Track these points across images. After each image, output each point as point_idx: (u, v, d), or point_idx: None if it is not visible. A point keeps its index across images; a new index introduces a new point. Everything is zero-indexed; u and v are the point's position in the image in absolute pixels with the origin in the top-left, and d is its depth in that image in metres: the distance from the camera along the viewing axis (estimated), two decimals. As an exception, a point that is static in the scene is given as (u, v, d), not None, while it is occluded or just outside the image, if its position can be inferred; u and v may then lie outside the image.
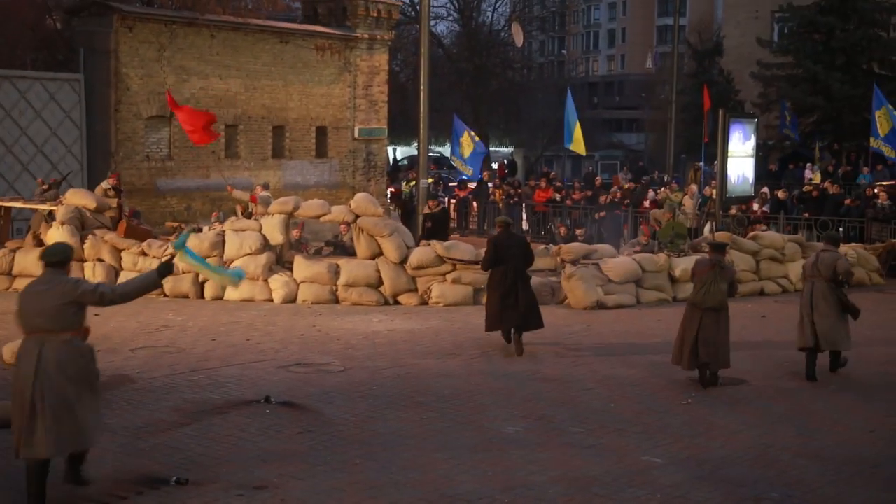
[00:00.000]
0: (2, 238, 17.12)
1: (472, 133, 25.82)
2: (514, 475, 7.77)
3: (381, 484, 7.46)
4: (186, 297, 16.20)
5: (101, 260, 16.35)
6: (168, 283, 16.27)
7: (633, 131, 69.84)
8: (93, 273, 16.20)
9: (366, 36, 27.52)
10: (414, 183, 23.43)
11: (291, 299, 16.11)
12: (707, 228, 20.62)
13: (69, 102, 22.00)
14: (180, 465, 7.70)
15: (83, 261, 16.42)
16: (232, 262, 16.26)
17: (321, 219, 17.30)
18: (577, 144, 25.80)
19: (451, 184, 30.38)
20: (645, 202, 24.24)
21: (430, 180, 26.13)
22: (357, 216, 16.58)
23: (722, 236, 18.52)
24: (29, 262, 16.37)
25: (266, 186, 18.90)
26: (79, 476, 7.13)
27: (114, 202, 17.11)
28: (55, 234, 16.38)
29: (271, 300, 16.10)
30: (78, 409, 6.77)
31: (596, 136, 61.61)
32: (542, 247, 18.35)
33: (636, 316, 15.54)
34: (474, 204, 27.59)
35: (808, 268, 11.78)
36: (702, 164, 28.73)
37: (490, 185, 27.69)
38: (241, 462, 7.87)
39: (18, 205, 17.92)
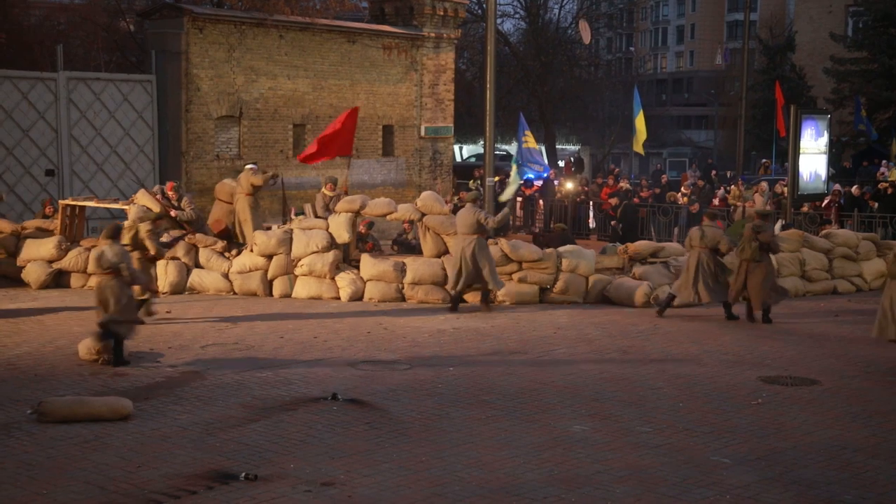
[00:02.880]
0: (77, 236, 17.47)
1: (530, 135, 26.20)
2: (580, 474, 7.73)
3: (447, 481, 7.47)
4: (255, 294, 16.39)
5: (175, 258, 16.59)
6: (237, 281, 16.49)
7: (702, 128, 69.02)
8: (165, 271, 16.46)
9: (432, 35, 27.57)
10: (480, 181, 23.42)
11: (358, 297, 16.21)
12: (778, 227, 20.28)
13: (141, 103, 22.40)
14: (249, 461, 7.80)
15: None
16: (299, 260, 16.43)
17: (387, 217, 17.38)
18: (637, 143, 25.68)
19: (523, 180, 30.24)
20: (715, 200, 23.93)
21: (497, 179, 26.10)
22: (423, 214, 16.62)
23: (793, 234, 18.22)
24: (103, 261, 16.68)
25: (333, 181, 19.03)
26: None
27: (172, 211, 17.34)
28: (126, 233, 16.66)
29: (338, 298, 16.21)
30: None
31: (664, 133, 61.06)
32: (610, 244, 18.23)
33: (703, 314, 15.33)
34: (540, 202, 27.48)
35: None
36: (771, 161, 28.28)
37: (556, 183, 27.57)
38: (308, 458, 7.94)
39: (92, 204, 18.27)
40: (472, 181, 29.35)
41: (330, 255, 16.38)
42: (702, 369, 11.46)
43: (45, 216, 18.25)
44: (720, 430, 9.02)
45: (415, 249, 17.62)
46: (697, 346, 12.85)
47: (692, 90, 77.34)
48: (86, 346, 11.30)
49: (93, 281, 16.66)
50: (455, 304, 15.36)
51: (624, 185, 26.37)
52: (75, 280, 16.85)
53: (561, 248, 16.67)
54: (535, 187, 28.01)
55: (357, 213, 17.05)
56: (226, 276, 16.58)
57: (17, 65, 21.44)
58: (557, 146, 45.84)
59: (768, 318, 14.58)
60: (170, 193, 17.18)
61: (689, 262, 14.94)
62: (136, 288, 12.40)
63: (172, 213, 16.68)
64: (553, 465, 7.91)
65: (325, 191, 18.27)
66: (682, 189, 24.96)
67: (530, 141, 25.90)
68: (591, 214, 25.92)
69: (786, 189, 22.87)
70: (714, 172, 31.58)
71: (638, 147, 25.89)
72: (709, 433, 8.90)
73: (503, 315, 14.94)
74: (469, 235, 15.05)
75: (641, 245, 17.51)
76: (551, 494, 7.25)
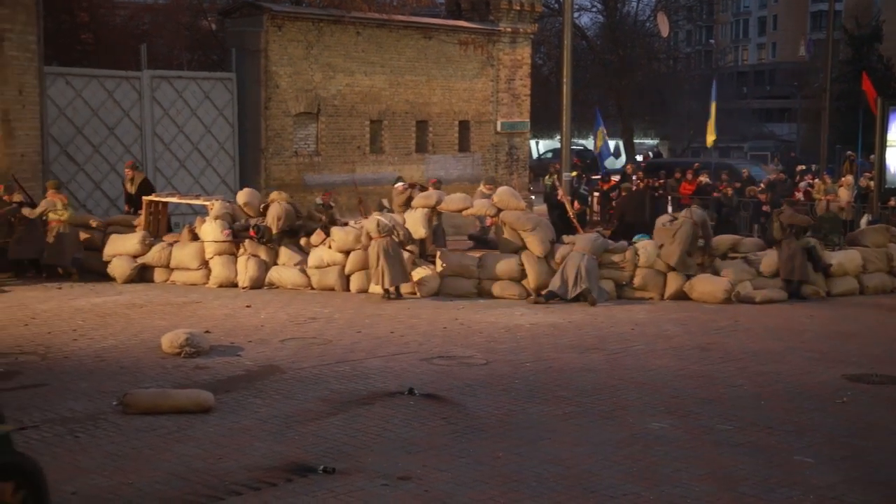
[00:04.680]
0: (160, 232, 17.81)
1: (604, 131, 26.55)
2: (658, 472, 7.64)
3: (524, 477, 7.45)
4: (332, 289, 16.54)
5: (255, 255, 16.82)
6: (315, 277, 16.65)
7: (785, 121, 67.67)
8: (245, 267, 16.71)
9: (508, 30, 27.50)
10: (556, 176, 23.29)
11: (435, 292, 16.24)
12: (864, 221, 19.81)
13: (222, 101, 22.77)
14: (327, 454, 7.87)
15: (234, 254, 16.93)
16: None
17: (463, 213, 17.39)
18: (708, 137, 25.45)
19: (594, 176, 30.05)
20: (797, 193, 23.45)
21: (574, 174, 25.96)
22: (500, 210, 16.58)
23: (878, 229, 17.77)
24: (185, 256, 17.02)
25: (400, 180, 19.15)
26: None
27: (323, 217, 17.69)
28: (208, 229, 16.98)
29: (415, 293, 16.26)
30: None
31: (745, 126, 59.96)
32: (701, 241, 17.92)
33: (786, 311, 15.06)
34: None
35: None
36: (856, 154, 27.61)
37: (634, 177, 27.29)
38: (385, 452, 7.98)
39: (175, 200, 18.63)
40: (547, 176, 29.27)
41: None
42: (784, 367, 11.24)
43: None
44: (803, 428, 8.84)
45: (490, 245, 17.60)
46: (780, 342, 12.61)
47: (774, 83, 75.90)
48: (169, 340, 11.53)
49: (175, 277, 17.02)
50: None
51: (703, 179, 25.98)
52: (158, 274, 17.19)
53: (638, 244, 16.50)
54: (612, 181, 27.78)
55: (433, 209, 17.10)
56: (304, 271, 16.76)
57: (103, 64, 21.95)
58: (635, 140, 45.37)
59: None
60: (325, 199, 17.96)
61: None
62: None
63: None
64: (631, 463, 7.83)
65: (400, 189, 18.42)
66: (762, 184, 24.51)
67: (601, 137, 26.02)
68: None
69: (872, 183, 22.30)
70: (799, 167, 30.95)
71: (709, 141, 25.58)
72: (791, 432, 8.73)
73: (580, 311, 14.84)
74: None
75: (721, 240, 17.23)
76: (629, 492, 7.18)
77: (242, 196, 17.70)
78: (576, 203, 19.36)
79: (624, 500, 7.05)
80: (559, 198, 19.68)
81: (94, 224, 17.76)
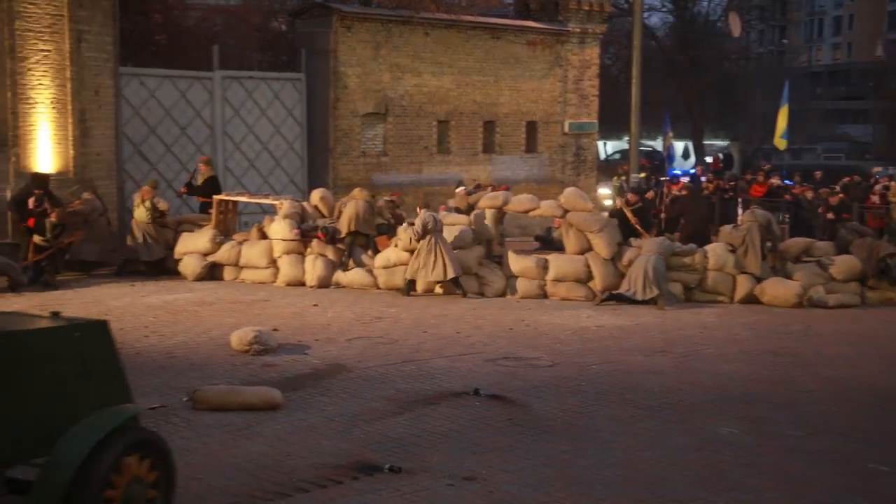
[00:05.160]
0: (229, 231, 18.04)
1: (670, 135, 26.47)
2: (728, 478, 7.53)
3: (590, 480, 7.39)
4: (399, 289, 16.58)
5: (323, 255, 16.96)
6: (382, 277, 16.71)
7: (860, 122, 66.26)
8: (313, 266, 16.85)
9: (577, 30, 27.35)
10: (625, 177, 23.12)
11: (501, 293, 16.21)
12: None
13: (292, 101, 22.99)
14: (393, 453, 7.89)
15: (301, 253, 17.08)
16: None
17: (530, 213, 17.33)
18: (777, 137, 25.07)
19: (662, 178, 29.75)
20: (873, 196, 22.94)
21: (642, 175, 25.75)
22: (566, 211, 16.49)
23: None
24: (254, 255, 17.21)
25: (461, 184, 19.16)
26: None
27: (391, 217, 17.96)
28: (277, 228, 17.15)
29: (481, 294, 16.25)
30: None
31: (818, 128, 58.88)
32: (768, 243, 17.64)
33: (860, 316, 14.75)
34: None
35: None
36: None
37: (703, 179, 26.96)
38: (450, 452, 7.98)
39: (244, 199, 18.85)
40: (615, 177, 29.06)
41: (473, 252, 16.44)
42: (857, 372, 11.01)
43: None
44: (877, 435, 8.65)
45: (556, 246, 17.50)
46: (852, 347, 12.35)
47: (849, 83, 74.38)
48: (238, 337, 11.66)
49: (244, 275, 17.21)
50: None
51: (775, 181, 25.55)
52: (228, 273, 17.41)
53: (708, 246, 16.29)
54: (680, 184, 27.46)
55: (500, 210, 17.06)
56: (370, 271, 16.84)
57: (175, 65, 22.29)
58: (705, 142, 44.81)
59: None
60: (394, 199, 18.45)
61: None
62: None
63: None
64: (699, 468, 7.73)
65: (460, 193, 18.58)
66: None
67: (669, 140, 25.84)
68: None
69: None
70: (876, 169, 30.29)
71: (777, 141, 25.18)
72: (865, 439, 8.54)
73: (648, 313, 14.70)
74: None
75: (793, 243, 16.94)
76: (697, 497, 7.09)
77: (316, 195, 17.89)
78: (630, 196, 19.13)
79: (692, 506, 6.97)
80: (619, 205, 19.50)
81: (167, 223, 18.06)
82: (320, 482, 7.21)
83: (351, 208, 16.85)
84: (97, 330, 6.25)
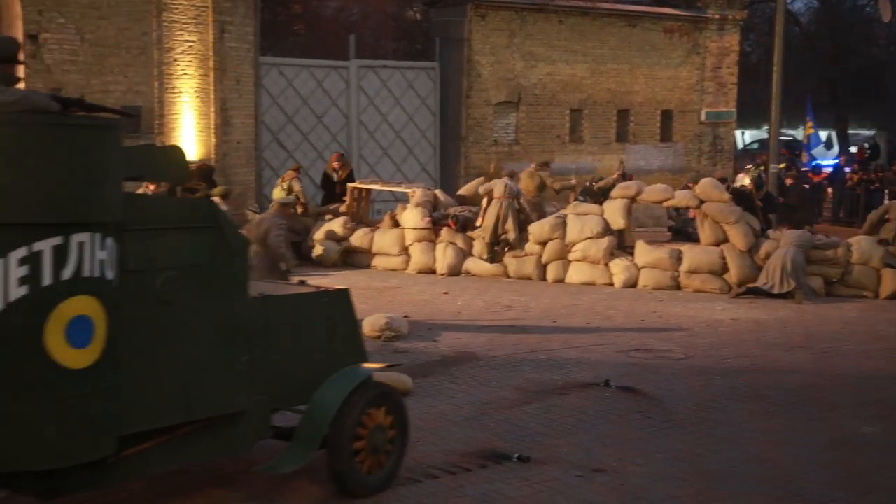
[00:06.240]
0: (362, 218, 18.31)
1: (811, 122, 25.77)
2: (870, 479, 7.24)
3: (723, 476, 7.22)
4: (529, 279, 16.56)
5: (453, 244, 17.06)
6: (512, 266, 16.71)
7: None
8: (443, 254, 16.97)
9: (716, 16, 26.70)
10: (763, 167, 22.49)
11: (632, 284, 16.00)
12: None
13: (425, 90, 23.17)
14: (521, 442, 7.87)
15: (433, 241, 17.22)
16: (573, 245, 16.40)
17: (664, 203, 17.02)
18: None
19: (803, 168, 28.83)
20: None
21: (782, 165, 25.00)
22: (701, 201, 16.14)
23: None
24: (386, 242, 17.43)
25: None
26: None
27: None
28: (409, 215, 17.32)
29: (612, 284, 16.08)
30: None
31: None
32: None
33: None
34: (828, 190, 26.03)
35: None
36: None
37: (847, 169, 26.01)
38: (580, 443, 7.91)
39: (377, 187, 19.10)
40: (752, 167, 28.29)
41: (604, 241, 16.26)
42: None
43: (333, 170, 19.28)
44: None
45: (690, 237, 17.17)
46: None
47: None
48: (370, 323, 11.81)
49: (376, 262, 17.45)
50: None
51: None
52: (361, 259, 17.68)
53: (852, 239, 15.70)
54: (823, 174, 26.59)
55: (633, 200, 16.83)
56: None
57: (313, 54, 22.74)
58: (850, 131, 43.17)
59: None
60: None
61: None
62: None
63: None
64: (839, 468, 7.46)
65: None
66: None
67: (809, 129, 25.09)
68: (886, 202, 24.22)
69: None
70: None
71: None
72: None
73: (786, 307, 14.28)
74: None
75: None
76: (837, 497, 6.84)
77: (467, 188, 18.24)
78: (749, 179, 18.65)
79: (831, 507, 6.74)
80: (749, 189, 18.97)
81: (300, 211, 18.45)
82: (449, 469, 7.25)
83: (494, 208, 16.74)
84: (341, 296, 7.07)
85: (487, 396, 9.25)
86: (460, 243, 17.08)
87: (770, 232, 16.00)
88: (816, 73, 41.22)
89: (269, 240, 11.67)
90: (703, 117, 27.04)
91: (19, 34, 16.42)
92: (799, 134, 40.98)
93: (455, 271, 16.90)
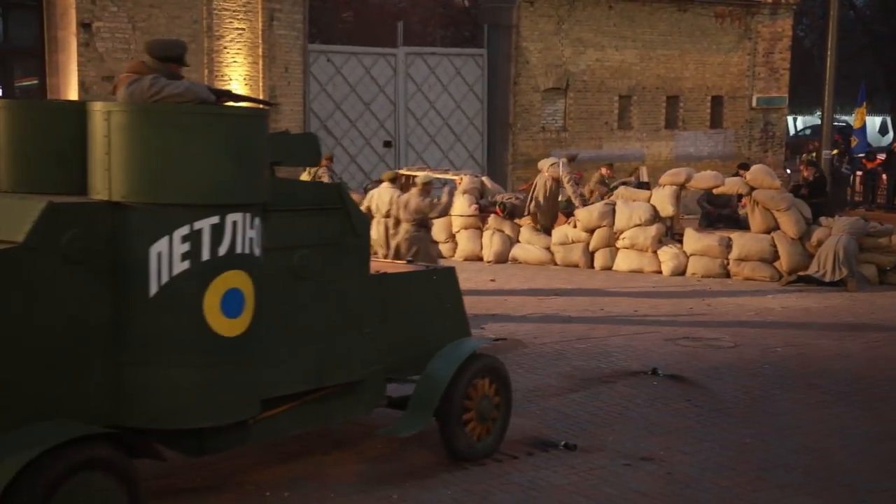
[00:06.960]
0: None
1: (860, 109, 25.39)
2: (921, 471, 7.15)
3: (771, 465, 7.17)
4: (576, 266, 16.52)
5: (500, 231, 17.06)
6: (559, 253, 16.68)
7: None
8: (490, 241, 16.98)
9: (769, 1, 26.34)
10: (814, 154, 22.20)
11: (680, 272, 15.90)
12: None
13: (473, 76, 23.13)
14: (568, 430, 7.87)
15: (479, 228, 17.23)
16: (621, 232, 16.34)
17: (714, 190, 16.88)
18: None
19: (858, 154, 28.37)
20: None
21: (835, 152, 24.67)
22: (752, 188, 15.97)
23: None
24: (434, 229, 17.42)
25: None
26: None
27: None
28: (456, 203, 17.32)
29: (660, 272, 15.98)
30: None
31: None
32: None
33: None
34: (883, 176, 25.62)
35: None
36: None
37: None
38: (627, 432, 7.90)
39: (425, 174, 19.11)
40: (804, 154, 27.94)
41: (653, 229, 16.17)
42: None
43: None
44: None
45: (739, 224, 17.00)
46: None
47: None
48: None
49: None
50: None
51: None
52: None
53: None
54: (877, 160, 26.17)
55: (682, 187, 16.70)
56: (547, 248, 16.83)
57: (361, 41, 22.79)
58: (905, 117, 42.42)
59: None
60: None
61: None
62: None
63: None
64: (890, 459, 7.37)
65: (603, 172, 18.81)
66: None
67: (859, 115, 24.68)
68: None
69: None
70: None
71: None
72: None
73: (837, 296, 14.10)
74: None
75: None
76: (889, 489, 6.76)
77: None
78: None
79: (882, 497, 6.65)
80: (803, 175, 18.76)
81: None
82: (496, 456, 7.27)
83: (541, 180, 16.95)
84: (448, 274, 7.46)
85: (534, 384, 9.26)
86: (507, 230, 17.08)
87: (822, 219, 15.79)
88: (871, 57, 40.52)
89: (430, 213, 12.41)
90: (754, 103, 26.71)
91: (72, 22, 16.69)
92: (853, 120, 40.37)
93: (502, 258, 16.90)
